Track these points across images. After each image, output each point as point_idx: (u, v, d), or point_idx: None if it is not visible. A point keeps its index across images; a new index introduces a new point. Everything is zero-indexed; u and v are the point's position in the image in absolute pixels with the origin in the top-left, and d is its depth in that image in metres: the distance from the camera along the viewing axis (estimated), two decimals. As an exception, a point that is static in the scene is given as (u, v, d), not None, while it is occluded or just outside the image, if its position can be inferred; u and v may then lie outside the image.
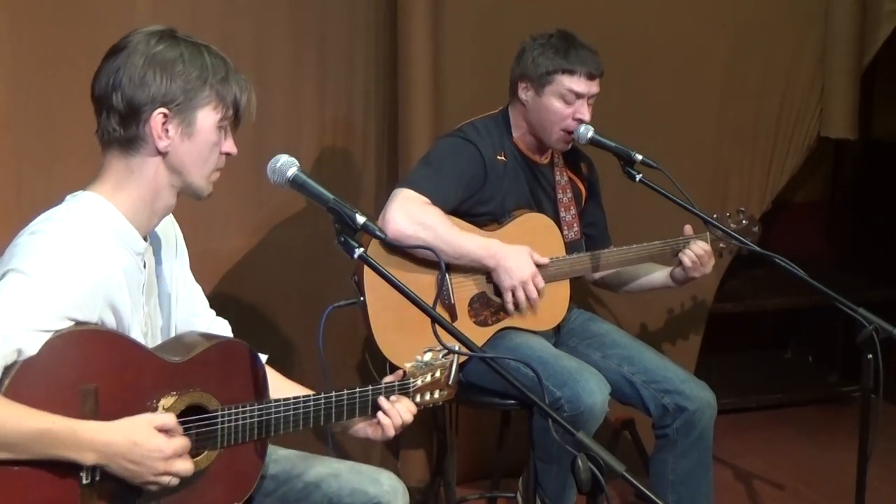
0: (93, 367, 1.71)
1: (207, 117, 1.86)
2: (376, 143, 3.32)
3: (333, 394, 1.98)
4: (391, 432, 2.04)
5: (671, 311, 3.63)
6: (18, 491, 1.63)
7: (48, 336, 1.67)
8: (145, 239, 1.91)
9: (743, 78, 3.64)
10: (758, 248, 2.70)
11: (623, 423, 3.39)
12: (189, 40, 1.87)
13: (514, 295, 2.69)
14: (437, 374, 2.11)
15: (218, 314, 2.19)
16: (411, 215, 2.60)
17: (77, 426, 1.66)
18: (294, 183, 1.89)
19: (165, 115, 1.82)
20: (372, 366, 2.23)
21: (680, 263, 2.86)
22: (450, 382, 2.13)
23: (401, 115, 3.20)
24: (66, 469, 1.67)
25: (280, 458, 2.08)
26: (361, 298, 2.61)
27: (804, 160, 3.81)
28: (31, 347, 1.66)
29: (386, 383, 2.07)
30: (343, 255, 1.88)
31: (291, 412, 1.93)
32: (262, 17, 3.10)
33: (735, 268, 3.79)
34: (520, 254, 2.70)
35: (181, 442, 1.76)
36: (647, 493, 1.66)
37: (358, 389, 2.01)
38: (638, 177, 2.74)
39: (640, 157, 2.73)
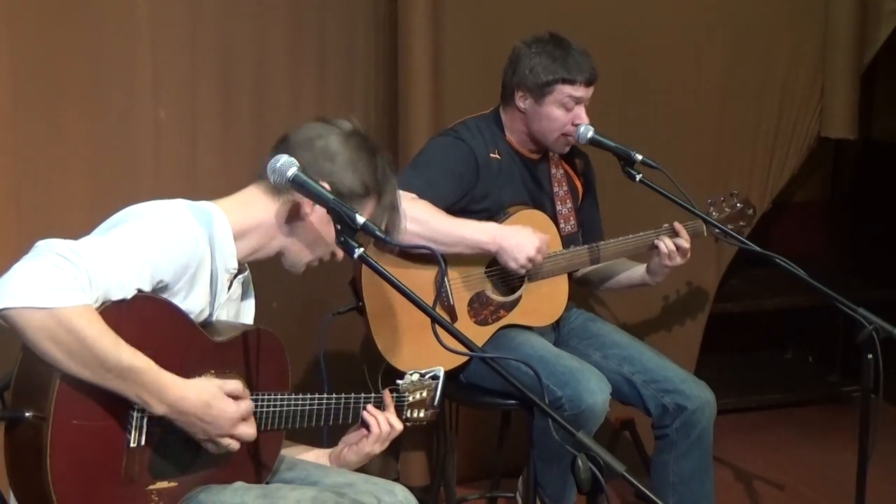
0: (149, 334, 1.76)
1: None
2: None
3: (352, 395, 2.08)
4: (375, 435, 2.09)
5: (671, 311, 3.63)
6: (72, 447, 1.68)
7: (134, 292, 1.72)
8: (240, 264, 1.98)
9: (743, 78, 3.64)
10: (758, 248, 2.69)
11: (623, 423, 3.39)
12: (383, 156, 2.07)
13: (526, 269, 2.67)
14: (424, 393, 2.19)
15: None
16: None
17: (161, 373, 1.72)
18: (294, 183, 1.89)
19: None
20: (368, 376, 2.26)
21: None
22: (434, 403, 2.21)
23: (401, 115, 3.19)
24: (116, 431, 1.73)
25: (295, 465, 2.11)
26: (360, 303, 2.60)
27: (804, 160, 3.81)
28: (118, 296, 1.70)
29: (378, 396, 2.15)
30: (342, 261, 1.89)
31: (316, 407, 2.02)
32: (262, 17, 3.10)
33: (735, 268, 3.79)
34: (520, 231, 2.67)
35: (247, 406, 1.84)
36: (648, 492, 1.66)
37: (372, 395, 2.12)
38: (638, 177, 2.75)
39: (640, 157, 2.73)
